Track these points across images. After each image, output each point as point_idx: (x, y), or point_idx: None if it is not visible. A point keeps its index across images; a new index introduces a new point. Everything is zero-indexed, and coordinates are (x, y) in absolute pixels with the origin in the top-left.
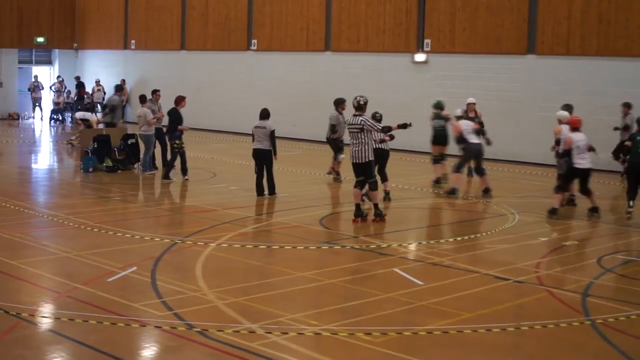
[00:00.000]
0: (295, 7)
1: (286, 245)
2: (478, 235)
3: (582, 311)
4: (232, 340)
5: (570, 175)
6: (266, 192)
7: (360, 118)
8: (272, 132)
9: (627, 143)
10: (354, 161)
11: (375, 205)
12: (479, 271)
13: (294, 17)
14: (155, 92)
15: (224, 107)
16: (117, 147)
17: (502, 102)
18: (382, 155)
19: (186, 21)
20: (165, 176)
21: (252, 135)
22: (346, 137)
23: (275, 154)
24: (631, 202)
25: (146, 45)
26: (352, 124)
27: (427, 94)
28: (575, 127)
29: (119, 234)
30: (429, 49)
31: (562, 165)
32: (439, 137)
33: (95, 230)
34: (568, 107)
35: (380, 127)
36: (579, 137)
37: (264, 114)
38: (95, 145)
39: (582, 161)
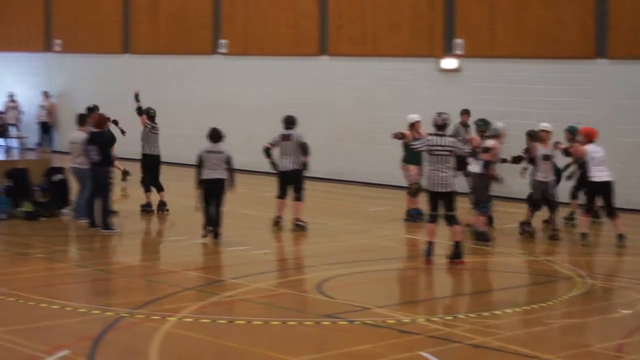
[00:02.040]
0: None
1: (273, 320)
2: (535, 306)
3: None
4: None
5: (591, 191)
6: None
7: (449, 139)
8: (229, 157)
9: None
10: (439, 190)
11: (457, 244)
12: (538, 356)
13: (276, 11)
14: (91, 110)
15: (181, 130)
16: (38, 186)
17: (563, 122)
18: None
19: (130, 16)
20: (105, 225)
21: (200, 162)
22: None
23: (233, 184)
24: None
25: (76, 46)
26: (439, 145)
27: (458, 111)
28: (591, 139)
29: (43, 305)
30: (460, 52)
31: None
32: None
33: (11, 299)
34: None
35: (470, 151)
36: (594, 149)
37: (217, 136)
38: (9, 183)
39: (599, 173)
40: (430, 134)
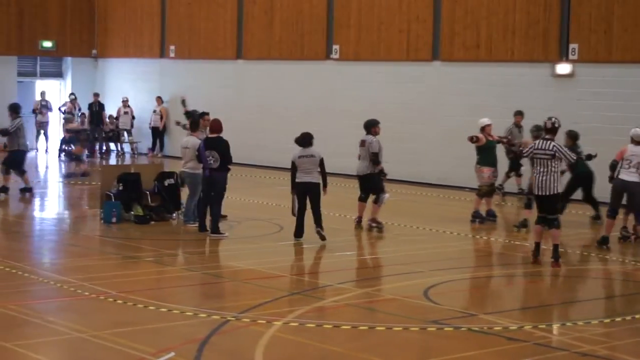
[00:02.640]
0: (394, 1)
1: (378, 326)
2: None
3: None
4: None
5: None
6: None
7: (553, 143)
8: (322, 160)
9: None
10: (540, 193)
11: (555, 247)
12: None
13: (390, 17)
14: (203, 115)
15: (292, 135)
16: (150, 190)
17: None
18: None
19: (244, 22)
20: (214, 230)
21: (293, 166)
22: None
23: (325, 187)
24: None
25: (190, 52)
26: (541, 149)
27: (572, 117)
28: None
29: (151, 308)
30: (575, 57)
31: None
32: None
33: (119, 302)
34: None
35: (575, 158)
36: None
37: (307, 141)
38: (121, 187)
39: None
40: (544, 139)
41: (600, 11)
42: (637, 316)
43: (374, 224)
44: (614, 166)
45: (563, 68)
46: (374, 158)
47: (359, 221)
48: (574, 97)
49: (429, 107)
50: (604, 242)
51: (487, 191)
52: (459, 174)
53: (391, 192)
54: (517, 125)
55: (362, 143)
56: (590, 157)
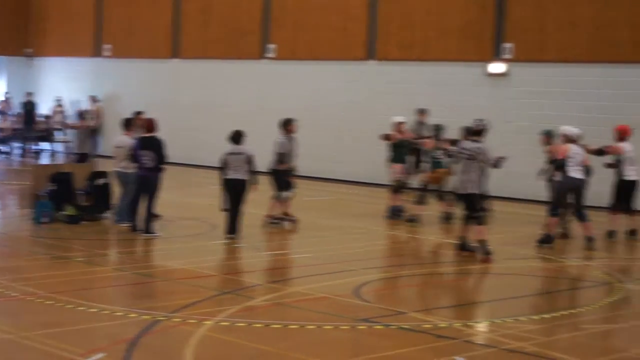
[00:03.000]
0: (330, 1)
1: (309, 324)
2: (573, 311)
3: None
4: None
5: (621, 189)
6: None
7: (477, 145)
8: (251, 158)
9: None
10: (461, 192)
11: (482, 243)
12: None
13: (327, 16)
14: (138, 114)
15: (228, 134)
16: (82, 190)
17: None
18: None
19: (180, 21)
20: (147, 229)
21: (224, 163)
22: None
23: (254, 184)
24: None
25: (125, 51)
26: (466, 149)
27: (505, 116)
28: (624, 136)
29: (80, 308)
30: (509, 56)
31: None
32: None
33: (49, 302)
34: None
35: (493, 161)
36: (629, 148)
37: (238, 138)
38: (53, 187)
39: (632, 173)
40: (471, 139)
41: (534, 11)
42: (565, 313)
43: (274, 220)
44: (561, 165)
45: (497, 67)
46: (278, 158)
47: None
48: (507, 96)
49: (364, 106)
50: (546, 240)
51: (399, 186)
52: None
53: (327, 192)
54: (421, 123)
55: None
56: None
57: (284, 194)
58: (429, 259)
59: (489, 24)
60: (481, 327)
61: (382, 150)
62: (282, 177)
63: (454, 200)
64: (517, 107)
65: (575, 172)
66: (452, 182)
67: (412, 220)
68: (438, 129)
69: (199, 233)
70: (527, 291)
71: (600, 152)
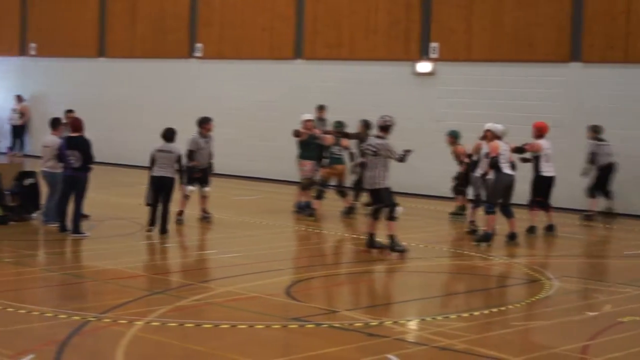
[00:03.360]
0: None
1: (240, 324)
2: (502, 308)
3: None
4: None
5: (539, 185)
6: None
7: (382, 141)
8: (179, 156)
9: None
10: (368, 187)
11: (391, 238)
12: (503, 358)
13: (254, 14)
14: (69, 112)
15: (156, 134)
16: (9, 190)
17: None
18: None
19: (106, 20)
20: (75, 230)
21: (152, 160)
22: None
23: (181, 184)
24: None
25: (51, 50)
26: (371, 146)
27: (433, 115)
28: (542, 133)
29: (9, 310)
30: (436, 55)
31: (479, 184)
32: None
33: None
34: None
35: (398, 156)
36: (547, 145)
37: (169, 136)
38: None
39: (549, 169)
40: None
41: (460, 11)
42: (494, 310)
43: (179, 217)
44: (495, 163)
45: (424, 66)
46: (188, 154)
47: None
48: (434, 95)
49: (292, 105)
50: (485, 238)
51: (308, 183)
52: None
53: (253, 191)
54: (320, 119)
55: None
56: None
57: (189, 188)
58: (354, 257)
59: (415, 23)
60: (412, 325)
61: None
62: (191, 173)
63: (355, 196)
64: (444, 106)
65: (507, 169)
66: (352, 178)
67: (311, 215)
68: (339, 125)
69: (128, 233)
70: (456, 289)
71: (520, 149)
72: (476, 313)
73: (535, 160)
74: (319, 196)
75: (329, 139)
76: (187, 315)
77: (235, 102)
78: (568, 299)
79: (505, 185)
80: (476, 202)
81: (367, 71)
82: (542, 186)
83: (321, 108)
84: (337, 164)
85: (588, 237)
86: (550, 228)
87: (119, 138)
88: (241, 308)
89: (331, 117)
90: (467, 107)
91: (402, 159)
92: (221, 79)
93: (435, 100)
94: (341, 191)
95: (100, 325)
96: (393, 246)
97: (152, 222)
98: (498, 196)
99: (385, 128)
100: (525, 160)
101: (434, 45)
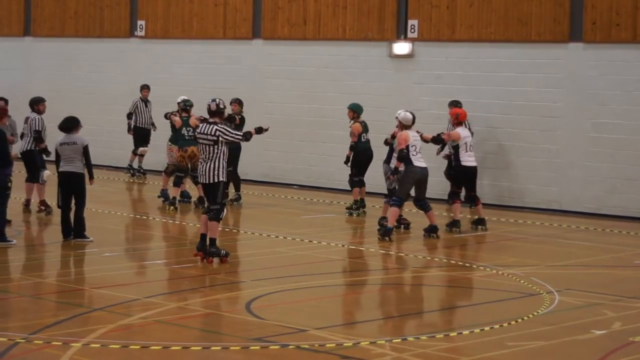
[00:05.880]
0: None
1: (193, 345)
2: (496, 326)
3: None
4: None
5: (461, 176)
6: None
7: (216, 127)
8: (86, 147)
9: None
10: (202, 180)
11: (212, 242)
12: None
13: None
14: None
15: (93, 124)
16: None
17: (532, 115)
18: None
19: None
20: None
21: (57, 155)
22: None
23: (92, 177)
24: None
25: None
26: (203, 133)
27: (411, 102)
28: (461, 120)
29: None
30: (415, 35)
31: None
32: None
33: None
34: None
35: (241, 136)
36: (466, 133)
37: (70, 125)
38: None
39: (470, 159)
40: (203, 120)
41: None
42: (486, 328)
43: (43, 207)
44: (404, 156)
45: (401, 47)
46: (36, 135)
47: (26, 204)
48: (413, 80)
49: (248, 91)
50: (386, 234)
51: (173, 170)
52: (284, 170)
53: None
54: (143, 100)
55: (26, 120)
56: (260, 130)
57: (45, 172)
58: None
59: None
60: (392, 345)
61: (273, 144)
62: (34, 157)
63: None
64: (424, 92)
65: (418, 161)
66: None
67: (172, 204)
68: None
69: (59, 241)
70: (441, 304)
71: (437, 139)
72: (465, 332)
73: (455, 150)
74: (176, 183)
75: (177, 120)
76: (132, 335)
77: (183, 88)
78: (571, 315)
79: (416, 179)
80: (388, 196)
81: (336, 53)
82: (464, 177)
83: (145, 87)
84: (188, 146)
85: (594, 243)
86: (480, 222)
87: (47, 129)
88: (194, 327)
89: (293, 107)
90: (450, 94)
91: (246, 137)
92: (167, 62)
93: (413, 86)
94: (195, 177)
95: (31, 348)
96: (211, 252)
97: (66, 230)
98: (408, 190)
99: (215, 113)
100: (446, 157)
101: (412, 22)
